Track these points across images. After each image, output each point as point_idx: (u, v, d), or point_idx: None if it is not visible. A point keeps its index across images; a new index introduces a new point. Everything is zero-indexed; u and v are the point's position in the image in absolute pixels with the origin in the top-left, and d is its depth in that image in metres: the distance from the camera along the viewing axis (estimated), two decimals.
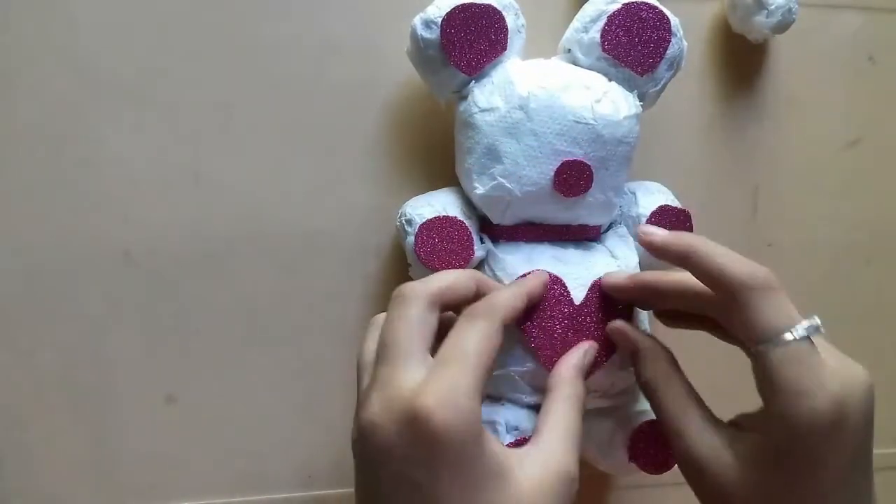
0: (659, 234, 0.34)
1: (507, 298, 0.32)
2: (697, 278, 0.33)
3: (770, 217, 0.49)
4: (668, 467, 0.39)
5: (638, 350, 0.36)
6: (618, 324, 0.37)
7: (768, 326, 0.30)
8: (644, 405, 0.40)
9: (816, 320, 0.30)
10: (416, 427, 0.27)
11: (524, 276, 0.37)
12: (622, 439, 0.40)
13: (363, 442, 0.29)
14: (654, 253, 0.34)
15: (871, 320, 0.51)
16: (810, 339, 0.30)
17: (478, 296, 0.33)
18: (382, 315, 0.32)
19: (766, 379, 0.30)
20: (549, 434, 0.31)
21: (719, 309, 0.33)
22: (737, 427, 0.33)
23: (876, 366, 0.53)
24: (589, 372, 0.36)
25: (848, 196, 0.50)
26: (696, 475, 0.33)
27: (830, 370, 0.30)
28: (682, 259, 0.33)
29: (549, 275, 0.37)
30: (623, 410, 0.40)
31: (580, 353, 0.36)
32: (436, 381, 0.28)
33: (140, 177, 0.42)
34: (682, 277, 0.35)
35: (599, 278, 0.38)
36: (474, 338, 0.29)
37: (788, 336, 0.30)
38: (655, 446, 0.39)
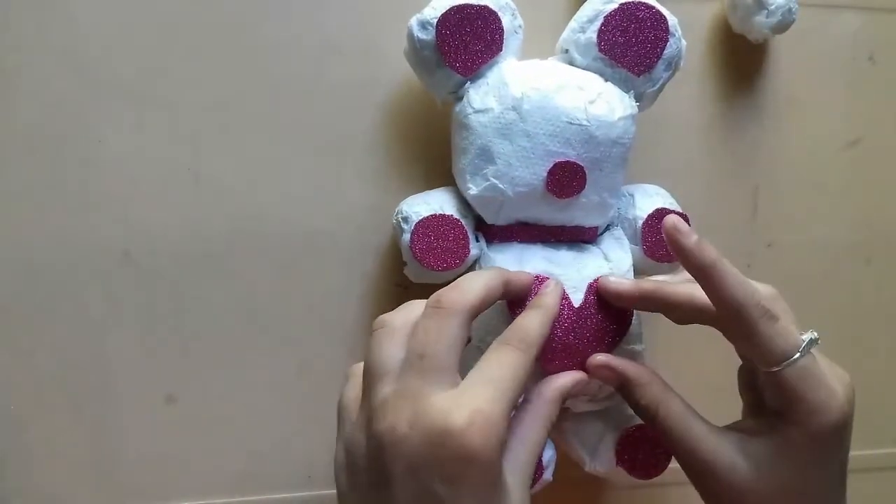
0: (690, 238, 0.33)
1: (540, 329, 0.32)
2: (708, 295, 0.33)
3: (770, 217, 0.49)
4: (656, 473, 0.39)
5: (627, 379, 0.36)
6: (600, 358, 0.36)
7: (780, 350, 0.32)
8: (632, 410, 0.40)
9: (814, 334, 0.33)
10: (449, 443, 0.27)
11: (538, 279, 0.36)
12: (610, 443, 0.40)
13: (382, 450, 0.28)
14: (676, 252, 0.34)
15: (871, 320, 0.51)
16: (811, 353, 0.33)
17: (505, 294, 0.34)
18: (392, 316, 0.32)
19: (782, 393, 0.32)
20: (517, 448, 0.31)
21: (722, 325, 0.35)
22: (741, 433, 0.34)
23: (875, 365, 0.53)
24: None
25: (848, 196, 0.50)
26: (712, 484, 0.34)
27: (831, 376, 0.33)
28: (700, 271, 0.33)
29: (548, 279, 0.37)
30: (611, 414, 0.40)
31: (570, 379, 0.35)
32: (472, 400, 0.28)
33: (140, 177, 0.42)
34: (688, 290, 0.35)
35: (596, 280, 0.38)
36: (510, 368, 0.30)
37: (797, 355, 0.32)
38: (643, 451, 0.39)
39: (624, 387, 0.36)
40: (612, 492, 0.48)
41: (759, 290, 0.33)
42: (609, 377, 0.36)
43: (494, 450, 0.27)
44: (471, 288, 0.31)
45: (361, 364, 0.33)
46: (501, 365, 0.30)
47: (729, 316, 0.33)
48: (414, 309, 0.32)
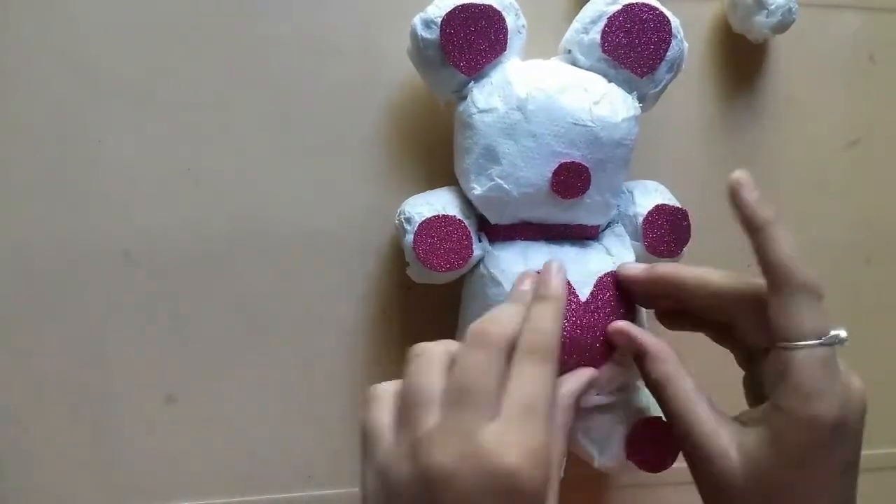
0: (750, 193, 0.33)
1: (555, 329, 0.32)
2: (758, 256, 0.33)
3: None
4: (665, 467, 0.39)
5: (645, 351, 0.36)
6: (620, 325, 0.37)
7: (808, 328, 0.32)
8: (642, 403, 0.40)
9: (844, 333, 0.32)
10: (501, 482, 0.27)
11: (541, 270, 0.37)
12: (620, 437, 0.40)
13: (431, 487, 0.28)
14: (735, 203, 0.34)
15: (871, 320, 0.51)
16: (834, 348, 0.32)
17: None
18: (431, 346, 0.32)
19: (783, 376, 0.32)
20: None
21: (732, 309, 0.35)
22: (739, 422, 0.34)
23: (876, 366, 0.53)
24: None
25: (848, 196, 0.50)
26: (703, 469, 0.34)
27: (842, 379, 0.32)
28: (753, 229, 0.33)
29: None
30: (621, 408, 0.40)
31: (580, 379, 0.36)
32: (518, 435, 0.28)
33: (140, 177, 0.42)
34: (701, 273, 0.36)
35: (604, 275, 0.38)
36: (544, 385, 0.30)
37: (818, 341, 0.32)
38: (653, 445, 0.39)
39: (639, 358, 0.36)
40: (613, 491, 0.49)
41: (810, 267, 0.32)
42: (625, 344, 0.37)
43: (543, 483, 0.28)
44: (511, 319, 0.32)
45: (384, 386, 0.32)
46: (535, 385, 0.30)
47: (773, 278, 0.32)
48: (450, 343, 0.32)
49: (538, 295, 0.34)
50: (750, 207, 0.33)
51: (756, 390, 0.36)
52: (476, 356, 0.30)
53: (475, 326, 0.31)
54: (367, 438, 0.32)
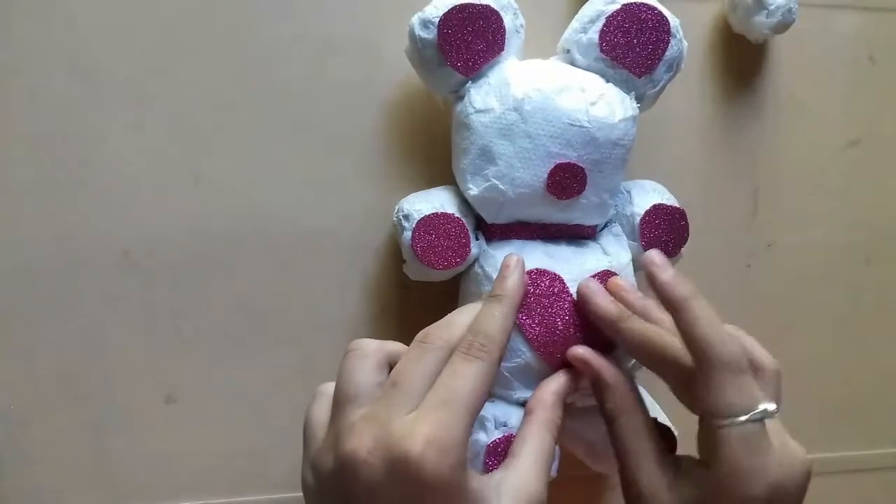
0: (664, 273, 0.34)
1: (502, 327, 0.32)
2: (680, 334, 0.33)
3: (770, 217, 0.49)
4: None
5: (601, 379, 0.36)
6: (579, 351, 0.36)
7: (728, 406, 0.31)
8: None
9: (772, 406, 0.32)
10: (404, 471, 0.27)
11: (537, 271, 0.37)
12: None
13: (344, 475, 0.28)
14: (651, 286, 0.34)
15: (871, 320, 0.51)
16: (763, 422, 0.31)
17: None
18: (365, 342, 0.32)
19: (714, 452, 0.32)
20: (524, 459, 0.32)
21: (672, 375, 0.35)
22: (681, 470, 0.34)
23: (875, 365, 0.53)
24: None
25: (848, 196, 0.50)
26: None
27: (774, 455, 0.31)
28: (671, 308, 0.33)
29: (548, 272, 0.38)
30: None
31: (562, 380, 0.36)
32: (427, 425, 0.28)
33: (140, 177, 0.42)
34: (637, 338, 0.35)
35: (598, 274, 0.38)
36: (471, 380, 0.30)
37: (743, 418, 0.31)
38: None
39: (596, 385, 0.36)
40: (613, 491, 0.49)
41: (732, 340, 0.32)
42: (584, 370, 0.36)
43: (451, 475, 0.28)
44: (461, 323, 0.32)
45: (328, 385, 0.33)
46: (459, 379, 0.30)
47: (694, 356, 0.32)
48: (388, 343, 0.33)
49: (491, 293, 0.34)
50: (666, 287, 0.33)
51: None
52: (410, 354, 0.31)
53: (423, 330, 0.32)
54: (306, 435, 0.33)
